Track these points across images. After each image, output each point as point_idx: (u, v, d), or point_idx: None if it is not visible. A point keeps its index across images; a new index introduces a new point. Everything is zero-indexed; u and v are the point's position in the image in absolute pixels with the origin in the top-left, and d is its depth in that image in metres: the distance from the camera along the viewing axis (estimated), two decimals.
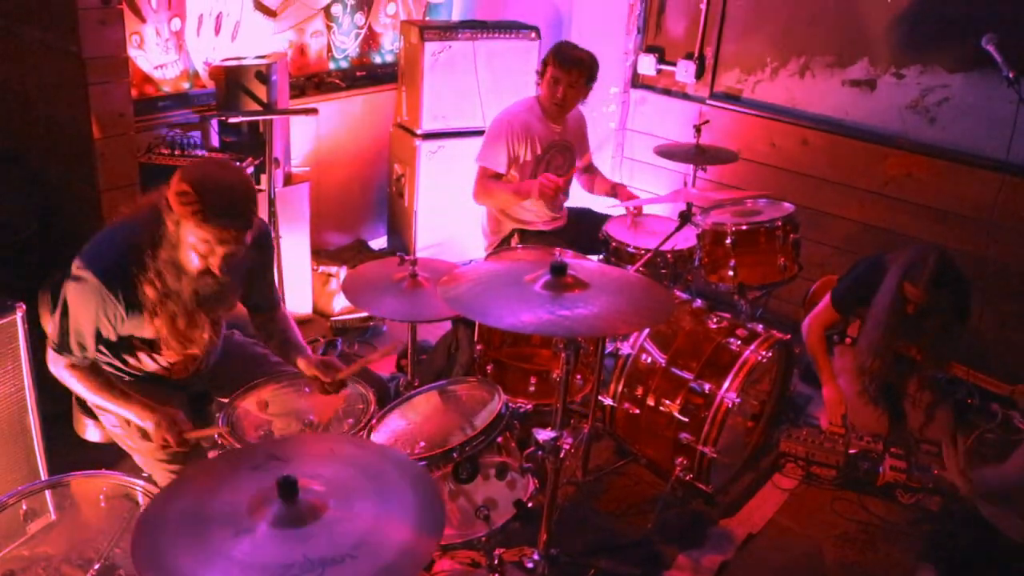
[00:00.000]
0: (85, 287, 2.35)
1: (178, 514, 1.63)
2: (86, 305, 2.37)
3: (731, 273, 3.82)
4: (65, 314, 2.40)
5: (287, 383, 2.71)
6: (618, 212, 4.38)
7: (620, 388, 3.40)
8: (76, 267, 2.37)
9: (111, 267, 2.36)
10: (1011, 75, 3.61)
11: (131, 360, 2.60)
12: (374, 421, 2.54)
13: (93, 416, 2.69)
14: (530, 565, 2.66)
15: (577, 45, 4.07)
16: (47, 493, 2.23)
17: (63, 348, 2.44)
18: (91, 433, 2.75)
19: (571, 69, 3.98)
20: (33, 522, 2.18)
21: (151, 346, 2.56)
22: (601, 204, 4.52)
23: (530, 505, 2.47)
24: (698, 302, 3.56)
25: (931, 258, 3.37)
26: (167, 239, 2.35)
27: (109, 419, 2.64)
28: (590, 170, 4.47)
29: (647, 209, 4.37)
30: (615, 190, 4.37)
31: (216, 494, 1.67)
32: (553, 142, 4.16)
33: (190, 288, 2.43)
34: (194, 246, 2.32)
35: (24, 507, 2.16)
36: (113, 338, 2.47)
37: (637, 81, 5.29)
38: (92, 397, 2.51)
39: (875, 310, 3.54)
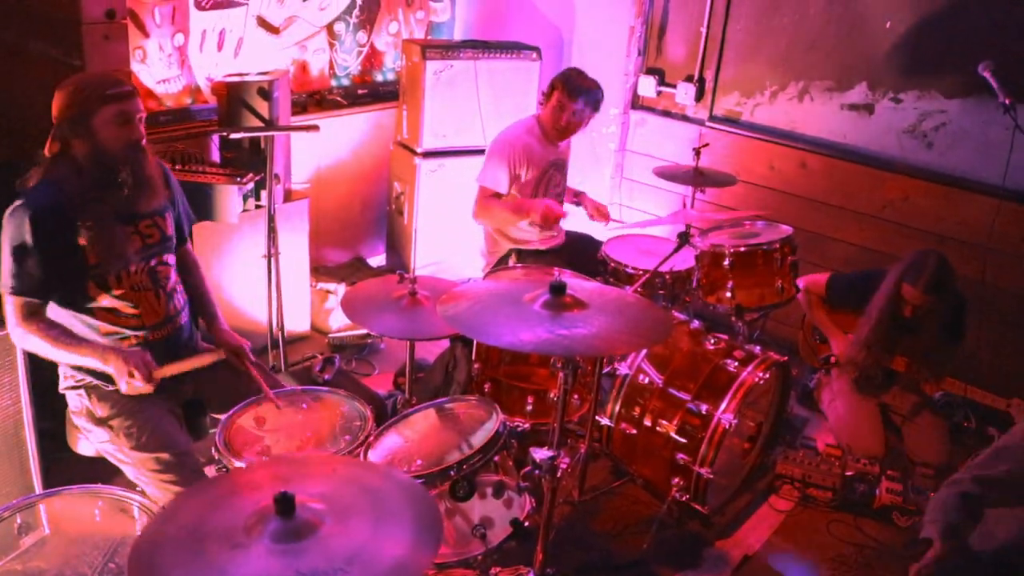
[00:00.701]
0: (16, 212, 2.44)
1: (175, 529, 1.63)
2: (21, 225, 2.43)
3: (729, 294, 3.83)
4: (6, 250, 2.45)
5: (284, 400, 2.70)
6: (616, 233, 4.41)
7: (617, 408, 3.40)
8: (11, 204, 2.47)
9: (38, 190, 2.49)
10: (1007, 102, 3.64)
11: (92, 317, 2.61)
12: (371, 438, 2.53)
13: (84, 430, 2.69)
14: None
15: (586, 74, 4.08)
16: (41, 507, 2.22)
17: (20, 287, 2.47)
18: (83, 447, 2.74)
19: (578, 99, 4.01)
20: (27, 536, 2.17)
21: (101, 283, 2.58)
22: (600, 229, 4.53)
23: (526, 524, 2.47)
24: (696, 323, 3.56)
25: (931, 261, 3.40)
26: (83, 144, 2.49)
27: (98, 434, 2.64)
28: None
29: (646, 231, 4.38)
30: (577, 197, 4.40)
31: (215, 511, 1.67)
32: (551, 161, 4.18)
33: (127, 173, 2.54)
34: (111, 127, 2.49)
35: (18, 521, 2.15)
36: (54, 258, 2.48)
37: (637, 103, 5.32)
38: (54, 351, 2.53)
39: (871, 307, 3.56)
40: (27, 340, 2.53)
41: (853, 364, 3.72)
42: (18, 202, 2.45)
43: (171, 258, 2.78)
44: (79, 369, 2.61)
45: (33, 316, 2.52)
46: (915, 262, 3.45)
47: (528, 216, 4.05)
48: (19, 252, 2.45)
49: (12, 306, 2.51)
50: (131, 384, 2.49)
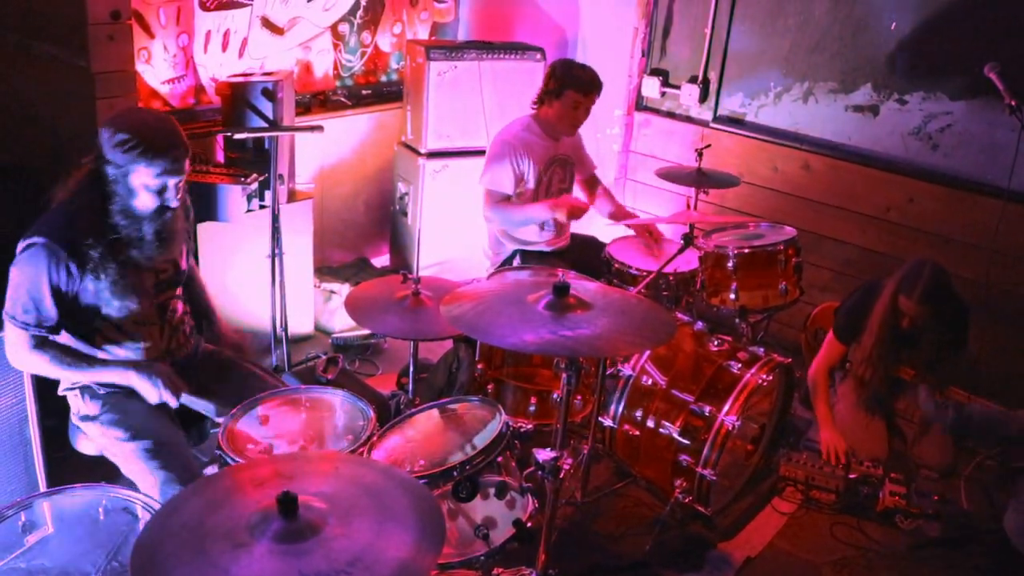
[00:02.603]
0: (34, 251, 2.42)
1: (178, 528, 1.63)
2: (38, 267, 2.42)
3: (733, 296, 3.83)
4: (21, 285, 2.43)
5: (285, 400, 2.71)
6: (621, 234, 4.41)
7: (620, 409, 3.40)
8: (23, 241, 2.44)
9: (57, 228, 2.45)
10: (1013, 103, 3.63)
11: (93, 344, 2.62)
12: (374, 438, 2.54)
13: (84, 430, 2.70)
14: None
15: (578, 63, 4.10)
16: (46, 505, 2.22)
17: (32, 323, 2.45)
18: (85, 446, 2.74)
19: (591, 92, 4.01)
20: (31, 534, 2.18)
21: (107, 319, 2.58)
22: (606, 230, 4.53)
23: (529, 525, 2.47)
24: (699, 325, 3.56)
25: (926, 272, 3.38)
26: (116, 193, 2.47)
27: (92, 430, 2.65)
28: (592, 184, 4.49)
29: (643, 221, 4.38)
30: (617, 216, 4.40)
31: (217, 509, 1.67)
32: (552, 158, 4.18)
33: (152, 230, 2.53)
34: (146, 186, 2.46)
35: (22, 519, 2.15)
36: (68, 299, 2.48)
37: (641, 103, 5.32)
38: (66, 374, 2.54)
39: (872, 322, 3.55)
40: (33, 367, 2.54)
41: (860, 383, 3.71)
42: (37, 239, 2.42)
43: (180, 290, 2.80)
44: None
45: (42, 345, 2.51)
46: (910, 272, 3.43)
47: (553, 214, 4.03)
48: (34, 291, 2.43)
49: (19, 338, 2.48)
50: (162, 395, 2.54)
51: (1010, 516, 3.24)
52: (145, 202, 2.49)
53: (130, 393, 2.63)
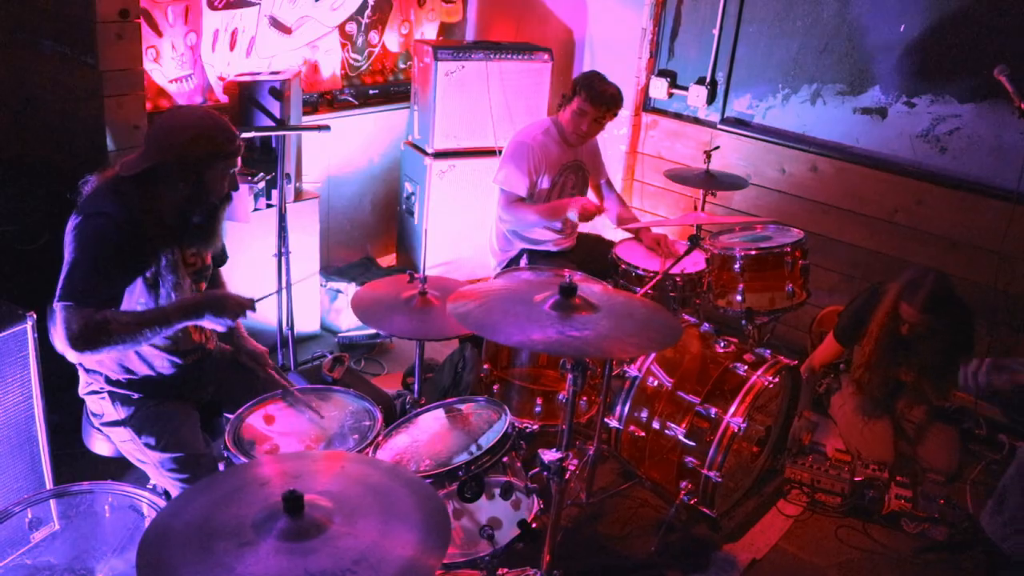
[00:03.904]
0: (98, 220, 2.37)
1: (184, 525, 1.64)
2: (104, 235, 2.36)
3: (739, 298, 3.83)
4: (87, 259, 2.33)
5: (293, 400, 2.71)
6: (629, 235, 4.40)
7: (626, 411, 3.40)
8: (84, 212, 2.39)
9: (114, 205, 2.42)
10: (1022, 106, 3.62)
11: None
12: (380, 438, 2.54)
13: (103, 431, 2.70)
14: None
15: (606, 78, 4.06)
16: (52, 502, 2.23)
17: (94, 300, 2.30)
18: (100, 447, 2.74)
19: (600, 106, 3.99)
20: (38, 531, 2.18)
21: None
22: (612, 231, 4.52)
23: (534, 526, 2.47)
24: (706, 326, 3.56)
25: (929, 280, 3.37)
26: (187, 193, 2.49)
27: (119, 434, 2.65)
28: (604, 190, 4.48)
29: (655, 231, 4.37)
30: (623, 220, 4.39)
31: (223, 507, 1.67)
32: (566, 164, 4.17)
33: (220, 216, 2.62)
34: (218, 180, 2.53)
35: (29, 515, 2.16)
36: (129, 274, 2.44)
37: (649, 104, 5.31)
38: (134, 339, 2.36)
39: (872, 326, 3.55)
40: (100, 347, 2.32)
41: (859, 386, 3.71)
42: (98, 209, 2.38)
43: (205, 286, 2.79)
44: (115, 383, 2.61)
45: (99, 325, 2.31)
46: (913, 280, 3.42)
47: (564, 214, 4.03)
48: (102, 262, 2.34)
49: (77, 320, 2.27)
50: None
51: (986, 515, 3.15)
52: (216, 191, 2.54)
53: (164, 400, 2.63)
